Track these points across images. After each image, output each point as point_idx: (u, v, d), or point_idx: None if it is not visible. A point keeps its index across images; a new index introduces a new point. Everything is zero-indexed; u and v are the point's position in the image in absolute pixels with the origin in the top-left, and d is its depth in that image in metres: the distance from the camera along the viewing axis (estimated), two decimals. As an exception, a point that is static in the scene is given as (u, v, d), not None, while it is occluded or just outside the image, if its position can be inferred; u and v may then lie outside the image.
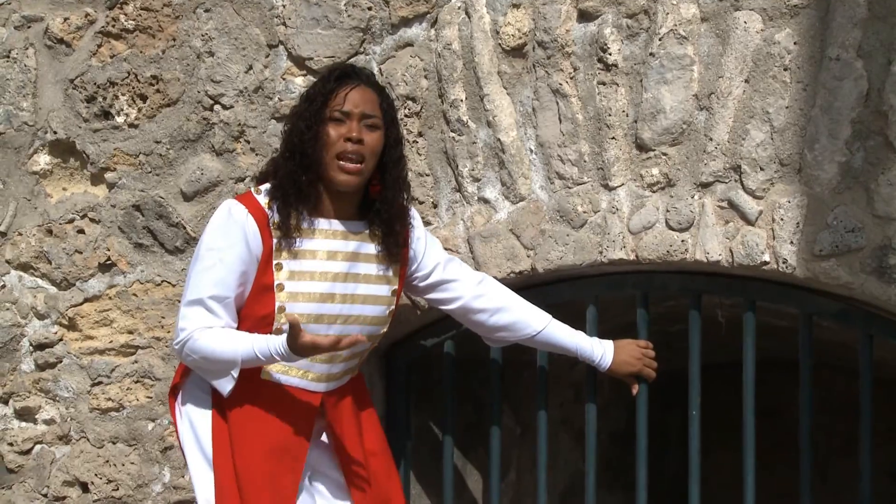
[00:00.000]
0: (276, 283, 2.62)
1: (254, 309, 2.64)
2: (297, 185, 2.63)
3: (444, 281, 2.80)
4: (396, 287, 2.74)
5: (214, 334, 2.60)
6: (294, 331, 2.50)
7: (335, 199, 2.68)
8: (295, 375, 2.66)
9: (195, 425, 2.66)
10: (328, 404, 2.71)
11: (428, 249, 2.80)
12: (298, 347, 2.52)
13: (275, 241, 2.63)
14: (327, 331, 2.63)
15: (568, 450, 3.96)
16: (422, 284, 2.80)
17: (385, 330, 2.75)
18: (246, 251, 2.61)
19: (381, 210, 2.69)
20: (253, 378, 2.64)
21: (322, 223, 2.67)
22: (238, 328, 2.65)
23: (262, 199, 2.65)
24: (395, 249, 2.71)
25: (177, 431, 2.71)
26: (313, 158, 2.63)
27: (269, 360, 2.58)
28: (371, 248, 2.70)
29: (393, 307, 2.74)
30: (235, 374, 2.60)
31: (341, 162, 2.63)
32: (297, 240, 2.64)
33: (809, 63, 2.80)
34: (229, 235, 2.62)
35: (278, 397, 2.65)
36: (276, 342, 2.55)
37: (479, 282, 2.83)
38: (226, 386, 2.61)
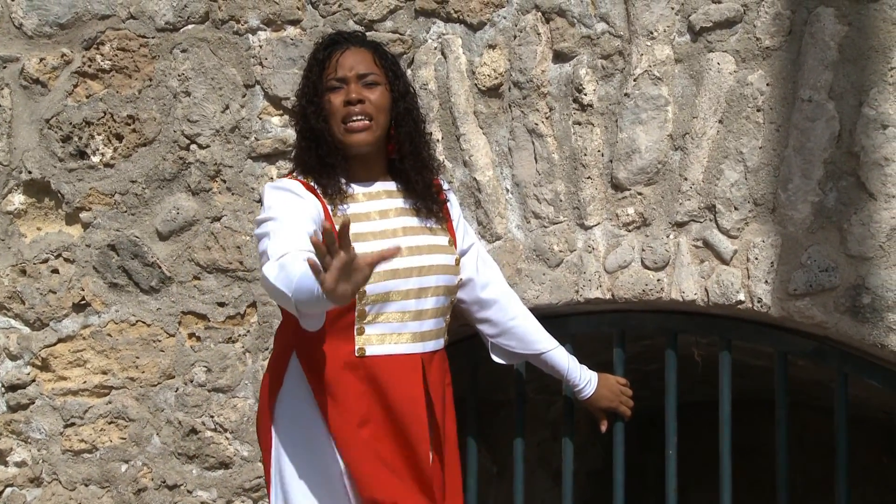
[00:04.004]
0: None
1: None
2: (321, 161, 2.62)
3: (481, 263, 2.77)
4: (451, 237, 2.71)
5: (292, 258, 2.41)
6: (343, 231, 2.25)
7: (362, 165, 2.66)
8: (391, 342, 2.60)
9: (297, 433, 2.57)
10: (428, 369, 2.64)
11: (464, 222, 2.78)
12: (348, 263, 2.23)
13: (329, 207, 2.61)
14: (406, 284, 2.59)
15: (545, 489, 3.94)
16: (463, 259, 2.75)
17: (459, 281, 2.69)
18: (302, 202, 2.56)
19: (405, 166, 2.67)
20: (350, 359, 2.57)
21: (360, 187, 2.65)
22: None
23: (300, 178, 2.64)
24: (436, 205, 2.69)
25: (267, 451, 2.61)
26: (324, 131, 2.62)
27: (316, 291, 2.31)
28: (412, 204, 2.68)
29: (458, 256, 2.70)
30: (290, 293, 2.35)
31: (348, 124, 2.61)
32: (346, 205, 2.61)
33: (782, 104, 2.83)
34: (279, 198, 2.56)
35: (382, 371, 2.58)
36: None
37: (507, 285, 2.83)
38: (305, 321, 2.43)
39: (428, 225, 2.67)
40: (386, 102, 2.64)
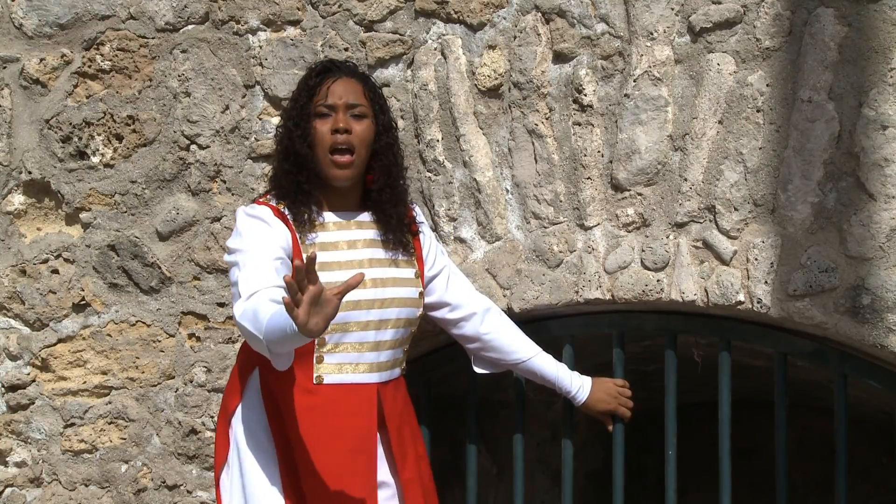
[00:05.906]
0: None
1: None
2: (298, 185, 2.64)
3: (453, 284, 2.80)
4: (418, 270, 2.74)
5: (260, 300, 2.46)
6: (309, 265, 2.28)
7: (337, 194, 2.69)
8: (348, 371, 2.63)
9: (255, 446, 2.62)
10: (384, 398, 2.67)
11: (435, 246, 2.81)
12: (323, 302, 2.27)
13: (298, 235, 2.63)
14: (367, 316, 2.63)
15: (544, 490, 3.94)
16: (432, 283, 2.78)
17: (420, 313, 2.73)
18: (271, 231, 2.59)
19: (381, 198, 2.70)
20: (308, 385, 2.61)
21: (332, 216, 2.68)
22: None
23: (273, 203, 2.67)
24: (407, 236, 2.72)
25: (220, 457, 2.66)
26: (306, 156, 2.65)
27: (289, 329, 2.36)
28: (383, 236, 2.71)
29: (422, 289, 2.74)
30: (263, 339, 2.41)
31: (333, 156, 2.64)
32: (316, 234, 2.64)
33: (782, 105, 2.83)
34: (251, 228, 2.60)
35: (337, 399, 2.62)
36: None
37: (482, 297, 2.86)
38: (277, 360, 2.47)
39: (395, 257, 2.71)
40: (370, 136, 2.69)
